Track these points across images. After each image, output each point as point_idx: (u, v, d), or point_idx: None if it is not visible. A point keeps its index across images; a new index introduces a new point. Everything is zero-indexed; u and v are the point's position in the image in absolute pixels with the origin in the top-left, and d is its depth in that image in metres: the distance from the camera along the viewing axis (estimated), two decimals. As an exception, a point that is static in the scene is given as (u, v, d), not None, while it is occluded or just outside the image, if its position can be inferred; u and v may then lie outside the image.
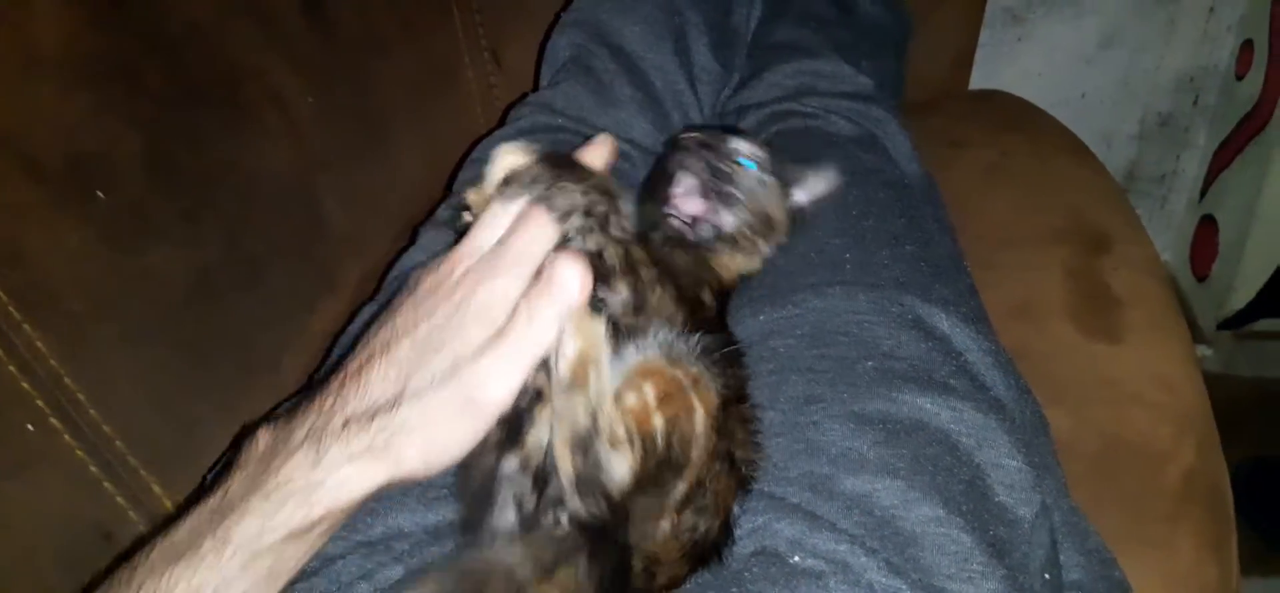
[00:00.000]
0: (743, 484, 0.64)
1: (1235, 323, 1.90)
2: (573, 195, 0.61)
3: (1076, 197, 1.20)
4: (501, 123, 1.00)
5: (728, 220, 0.73)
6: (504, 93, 1.20)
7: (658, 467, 0.57)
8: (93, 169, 0.79)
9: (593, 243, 0.61)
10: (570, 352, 0.57)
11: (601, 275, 0.61)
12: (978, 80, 1.55)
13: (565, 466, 0.57)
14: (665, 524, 0.59)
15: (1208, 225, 1.93)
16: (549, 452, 0.60)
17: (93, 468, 0.74)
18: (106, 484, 0.75)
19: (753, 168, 0.74)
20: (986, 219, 1.13)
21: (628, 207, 0.66)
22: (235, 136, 0.91)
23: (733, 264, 0.75)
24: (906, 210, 0.85)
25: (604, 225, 0.62)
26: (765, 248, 0.76)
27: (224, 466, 0.61)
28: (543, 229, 0.60)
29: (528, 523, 0.59)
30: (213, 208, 0.87)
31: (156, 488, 0.78)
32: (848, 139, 0.91)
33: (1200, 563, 0.86)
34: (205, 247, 0.86)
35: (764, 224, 0.74)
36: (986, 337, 0.75)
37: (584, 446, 0.57)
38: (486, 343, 0.57)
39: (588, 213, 0.61)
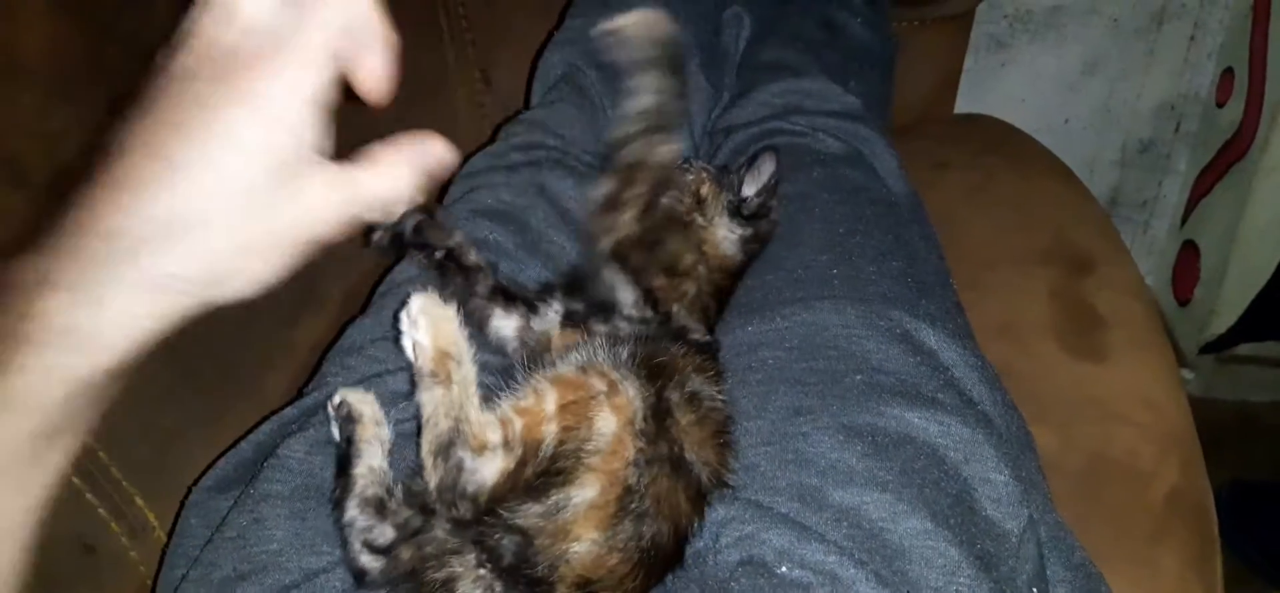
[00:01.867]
0: (700, 489, 0.64)
1: (1217, 347, 1.91)
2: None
3: (1060, 218, 1.21)
4: (492, 140, 1.00)
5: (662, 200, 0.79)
6: (493, 111, 1.20)
7: (539, 475, 0.58)
8: (77, 179, 0.78)
9: None
10: (423, 340, 0.58)
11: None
12: (962, 105, 1.56)
13: (428, 472, 0.58)
14: (584, 542, 0.58)
15: (1189, 251, 1.94)
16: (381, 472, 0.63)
17: (75, 479, 0.73)
18: (88, 496, 0.74)
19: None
20: (971, 240, 1.13)
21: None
22: (221, 149, 0.91)
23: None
24: (893, 227, 0.85)
25: None
26: (703, 222, 0.80)
27: None
28: None
29: (386, 552, 0.61)
30: (197, 220, 0.87)
31: (139, 500, 0.77)
32: (835, 157, 0.91)
33: (1184, 581, 0.86)
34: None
35: (694, 199, 0.81)
36: (973, 352, 0.75)
37: (445, 449, 0.57)
38: None
39: None
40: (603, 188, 0.72)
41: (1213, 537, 0.91)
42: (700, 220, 0.80)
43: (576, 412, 0.59)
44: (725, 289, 0.81)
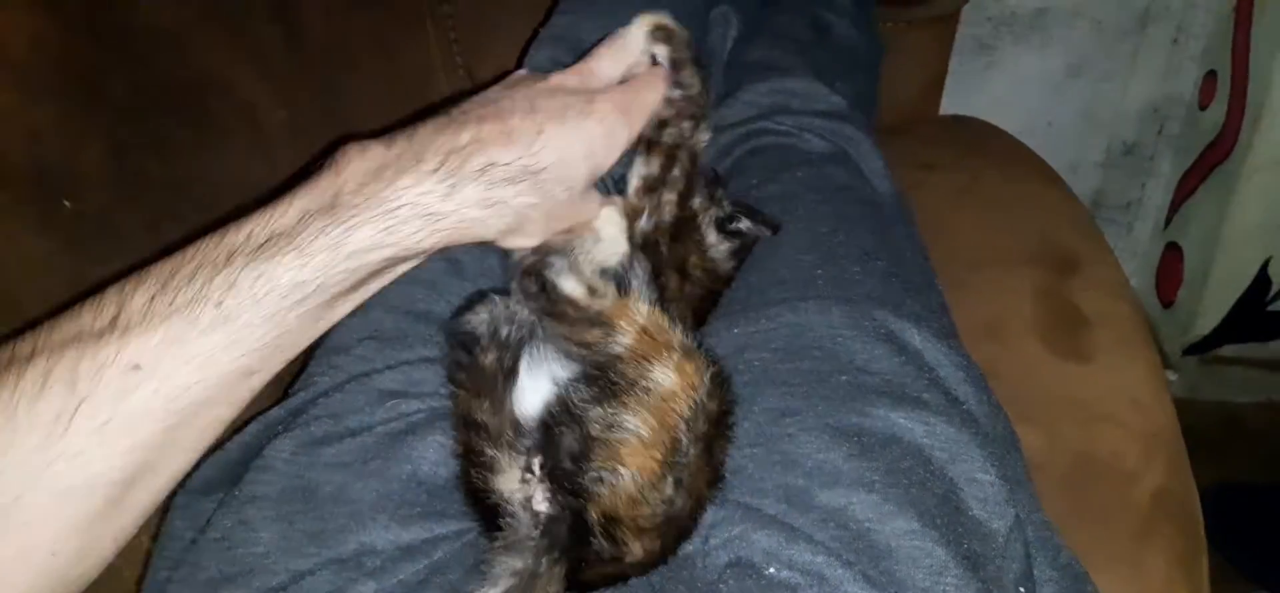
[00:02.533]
0: (715, 482, 0.64)
1: (1200, 349, 1.92)
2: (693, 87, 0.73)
3: (1045, 219, 1.22)
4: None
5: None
6: (477, 110, 1.19)
7: (596, 366, 0.62)
8: (58, 177, 0.78)
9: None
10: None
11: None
12: (947, 107, 1.57)
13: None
14: (625, 474, 0.59)
15: (1173, 253, 1.96)
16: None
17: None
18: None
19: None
20: (956, 240, 1.14)
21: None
22: (204, 148, 0.90)
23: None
24: (878, 227, 0.85)
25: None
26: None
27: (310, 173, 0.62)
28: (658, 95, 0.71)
29: (497, 343, 0.66)
30: (179, 219, 0.86)
31: (119, 502, 0.76)
32: (820, 156, 0.91)
33: (1171, 581, 0.87)
34: (172, 258, 0.85)
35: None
36: (958, 352, 0.75)
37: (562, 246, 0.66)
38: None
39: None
40: (648, 166, 0.75)
41: (1199, 536, 0.91)
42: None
43: (650, 346, 0.62)
44: (716, 296, 0.81)
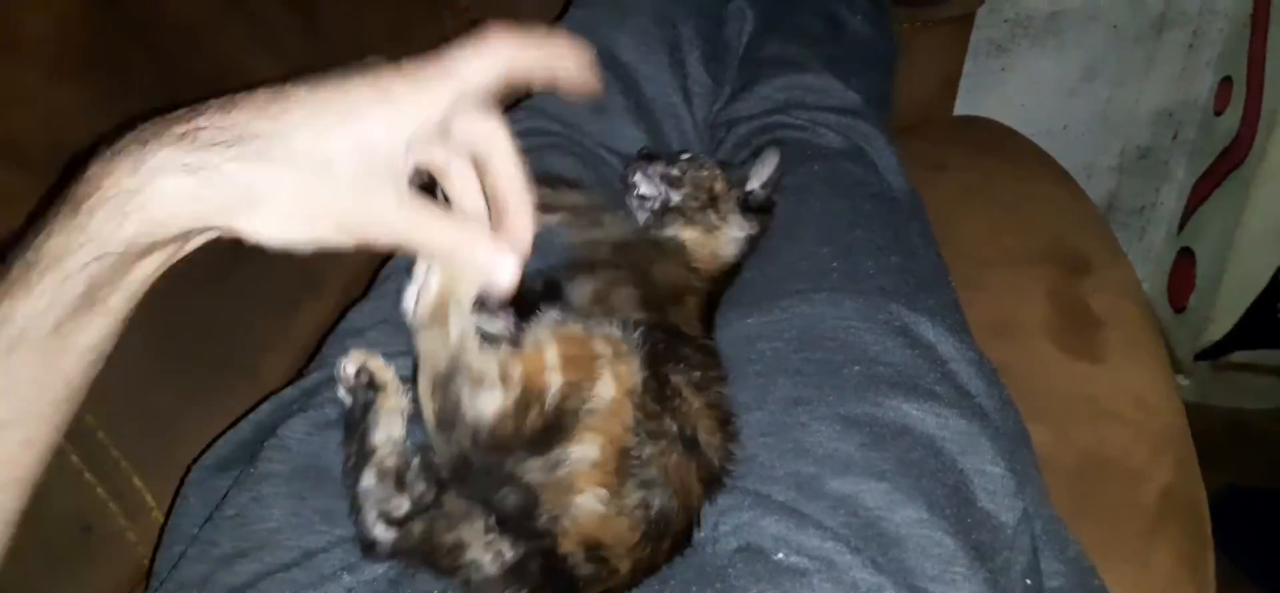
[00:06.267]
0: (712, 473, 0.65)
1: (1212, 354, 1.92)
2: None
3: (1057, 220, 1.22)
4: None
5: (675, 195, 0.81)
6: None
7: (545, 426, 0.58)
8: (78, 161, 0.78)
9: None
10: (433, 286, 0.57)
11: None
12: (961, 109, 1.57)
13: (427, 407, 0.58)
14: (588, 498, 0.59)
15: (1185, 258, 1.95)
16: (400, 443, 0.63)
17: (73, 459, 0.73)
18: (87, 476, 0.74)
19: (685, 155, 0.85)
20: (968, 239, 1.14)
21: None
22: (223, 134, 0.91)
23: (704, 244, 0.80)
24: (892, 222, 0.86)
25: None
26: (716, 220, 0.81)
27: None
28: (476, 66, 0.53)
29: (401, 524, 0.60)
30: (198, 204, 0.87)
31: (137, 480, 0.77)
32: (835, 151, 0.92)
33: (1177, 580, 0.87)
34: (189, 243, 0.86)
35: (708, 196, 0.81)
36: (970, 347, 0.76)
37: (444, 383, 0.57)
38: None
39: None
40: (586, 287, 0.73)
41: (1205, 535, 0.91)
42: (713, 218, 0.81)
43: (579, 367, 0.59)
44: (723, 288, 0.81)
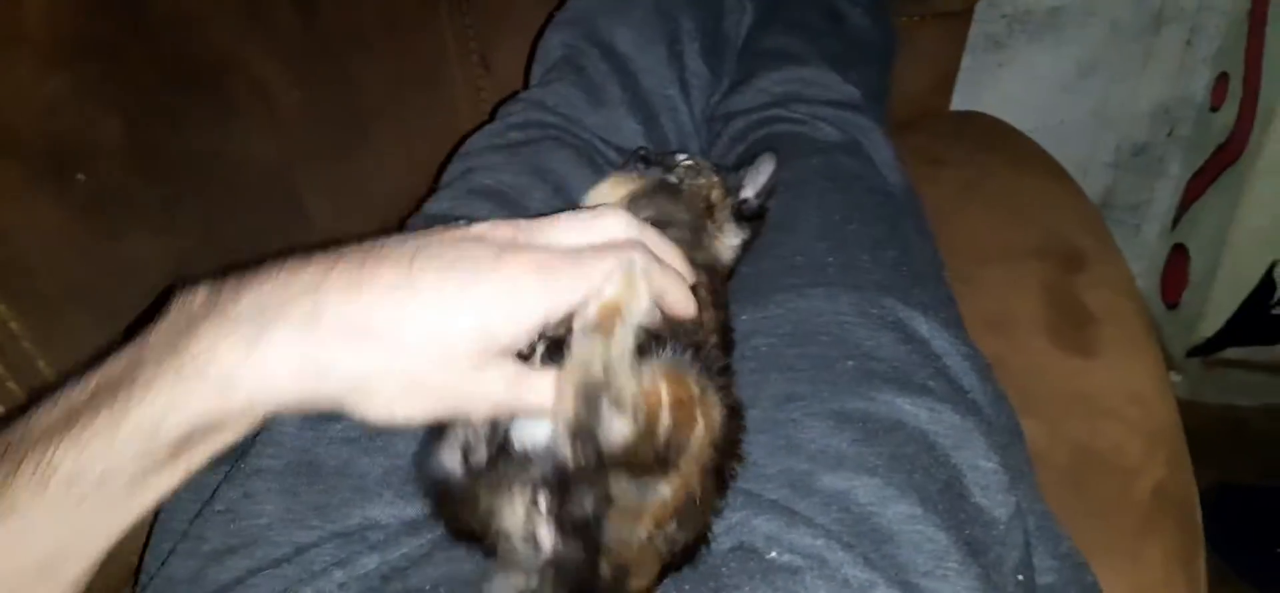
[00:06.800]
0: (722, 491, 0.64)
1: (1204, 350, 1.92)
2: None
3: (1053, 216, 1.22)
4: (491, 118, 0.99)
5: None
6: (491, 96, 1.20)
7: (654, 457, 0.56)
8: (73, 150, 0.78)
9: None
10: (608, 293, 0.55)
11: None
12: (958, 103, 1.57)
13: (566, 406, 0.55)
14: (643, 530, 0.58)
15: (1179, 254, 1.95)
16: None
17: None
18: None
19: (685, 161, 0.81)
20: (964, 235, 1.14)
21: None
22: (218, 125, 0.91)
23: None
24: (888, 217, 0.86)
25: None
26: (713, 229, 0.79)
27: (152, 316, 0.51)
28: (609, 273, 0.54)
29: (472, 471, 0.59)
30: (193, 195, 0.87)
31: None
32: (832, 145, 0.92)
33: (1169, 576, 0.87)
34: (183, 234, 0.86)
35: (705, 205, 0.79)
36: (964, 342, 0.76)
37: (590, 395, 0.55)
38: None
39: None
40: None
41: (1197, 532, 0.92)
42: (711, 227, 0.79)
43: (685, 410, 0.57)
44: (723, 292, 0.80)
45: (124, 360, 0.48)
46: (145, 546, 0.73)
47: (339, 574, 0.63)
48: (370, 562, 0.64)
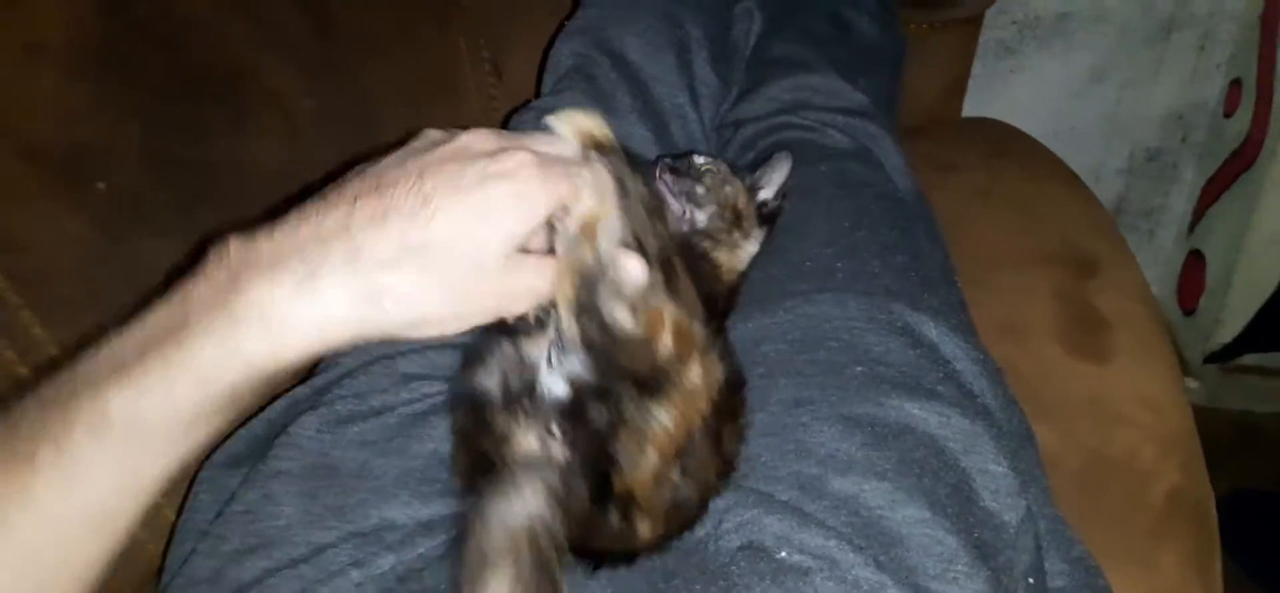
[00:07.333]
0: (725, 474, 0.65)
1: (1221, 357, 1.91)
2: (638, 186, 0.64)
3: (1065, 222, 1.22)
4: (504, 126, 1.00)
5: (700, 217, 0.78)
6: (503, 104, 1.20)
7: (653, 369, 0.59)
8: (92, 158, 0.79)
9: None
10: (583, 208, 0.59)
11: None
12: (970, 110, 1.57)
13: (565, 291, 0.58)
14: (650, 460, 0.59)
15: (1195, 260, 1.95)
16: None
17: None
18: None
19: (711, 170, 0.80)
20: (976, 241, 1.14)
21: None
22: (233, 133, 0.92)
23: (725, 262, 0.78)
24: (898, 223, 0.86)
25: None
26: (740, 239, 0.79)
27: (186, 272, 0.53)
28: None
29: (508, 399, 0.61)
30: (209, 202, 0.88)
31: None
32: (842, 152, 0.92)
33: (1184, 580, 0.87)
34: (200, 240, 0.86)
35: (733, 215, 0.79)
36: (975, 347, 0.76)
37: (589, 282, 0.58)
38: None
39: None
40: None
41: (1213, 537, 0.91)
42: (737, 237, 0.79)
43: (685, 342, 0.60)
44: (737, 295, 0.81)
45: (167, 312, 0.50)
46: (167, 546, 0.74)
47: (356, 574, 0.63)
48: (387, 562, 0.64)
